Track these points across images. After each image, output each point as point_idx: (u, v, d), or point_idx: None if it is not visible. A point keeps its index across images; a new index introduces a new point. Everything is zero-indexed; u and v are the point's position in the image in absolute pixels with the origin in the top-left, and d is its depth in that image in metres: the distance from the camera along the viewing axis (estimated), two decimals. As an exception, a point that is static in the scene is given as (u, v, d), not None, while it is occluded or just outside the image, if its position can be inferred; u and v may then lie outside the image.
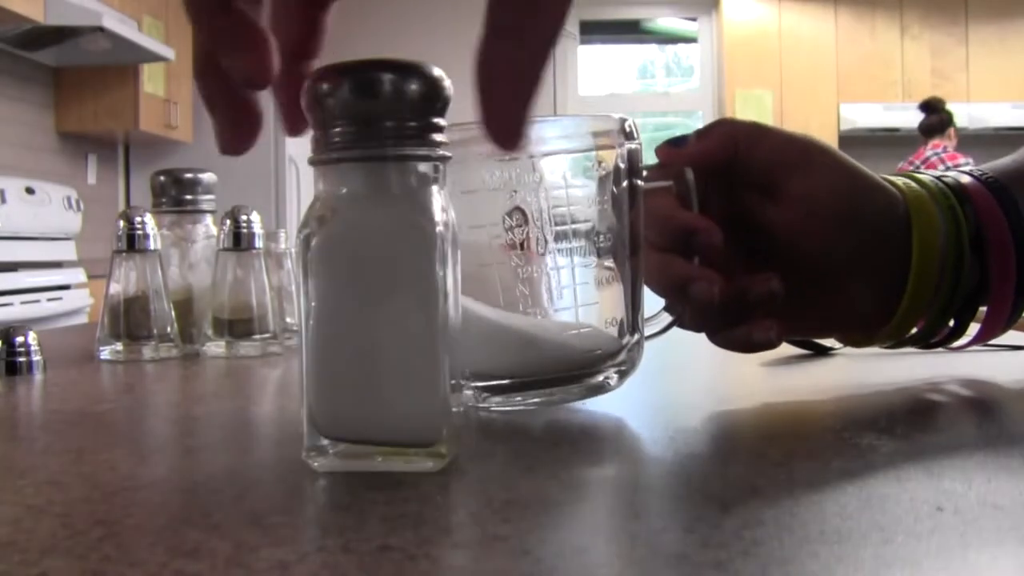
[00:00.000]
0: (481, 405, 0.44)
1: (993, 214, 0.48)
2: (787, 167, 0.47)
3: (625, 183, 0.43)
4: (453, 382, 0.32)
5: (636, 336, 0.45)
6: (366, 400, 0.32)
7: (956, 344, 0.54)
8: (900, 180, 0.50)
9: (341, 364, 0.32)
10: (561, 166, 0.42)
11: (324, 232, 0.32)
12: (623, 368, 0.44)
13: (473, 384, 0.43)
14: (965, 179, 0.50)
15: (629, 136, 0.43)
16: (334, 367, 0.32)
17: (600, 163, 0.42)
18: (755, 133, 0.48)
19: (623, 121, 0.43)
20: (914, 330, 0.51)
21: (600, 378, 0.44)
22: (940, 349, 0.55)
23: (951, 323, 0.52)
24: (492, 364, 0.43)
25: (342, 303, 0.32)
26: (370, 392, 0.32)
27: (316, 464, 0.32)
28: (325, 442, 0.32)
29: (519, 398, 0.43)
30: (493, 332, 0.42)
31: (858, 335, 0.53)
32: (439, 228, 0.32)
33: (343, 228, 0.32)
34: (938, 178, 0.51)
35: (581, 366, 0.43)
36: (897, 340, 0.52)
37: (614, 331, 0.44)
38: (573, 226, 0.42)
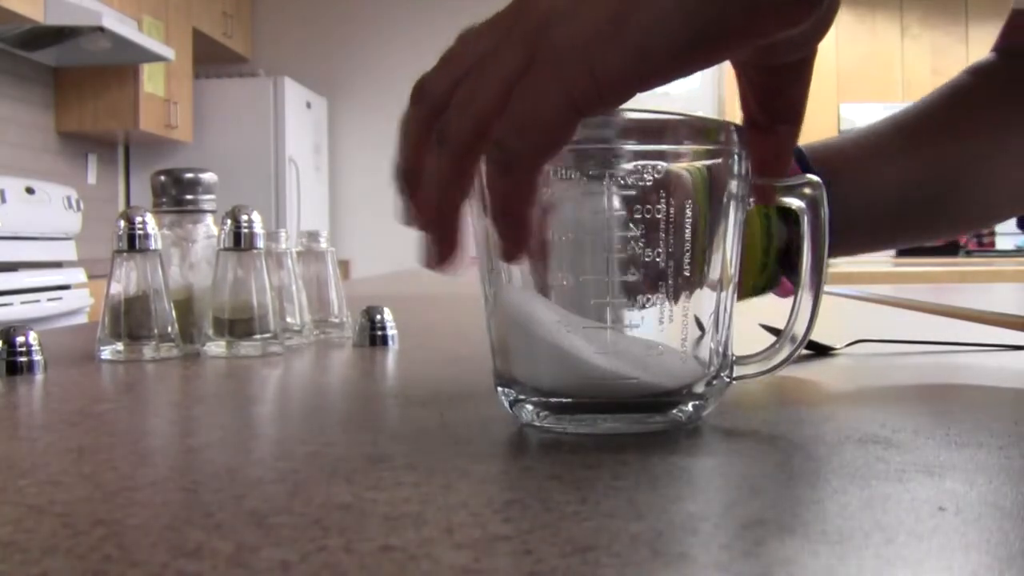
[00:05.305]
0: (542, 424, 0.40)
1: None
2: None
3: (725, 199, 0.39)
4: None
5: (725, 369, 0.41)
6: None
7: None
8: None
9: None
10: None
11: None
12: (699, 403, 0.40)
13: (532, 399, 0.39)
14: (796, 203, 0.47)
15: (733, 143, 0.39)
16: None
17: (710, 171, 0.38)
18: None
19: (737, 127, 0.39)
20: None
21: (673, 411, 0.40)
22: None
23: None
24: (553, 382, 0.39)
25: None
26: None
27: None
28: None
29: (586, 421, 0.39)
30: (557, 348, 0.38)
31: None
32: None
33: None
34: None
35: (648, 395, 0.39)
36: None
37: (696, 358, 0.39)
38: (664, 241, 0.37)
